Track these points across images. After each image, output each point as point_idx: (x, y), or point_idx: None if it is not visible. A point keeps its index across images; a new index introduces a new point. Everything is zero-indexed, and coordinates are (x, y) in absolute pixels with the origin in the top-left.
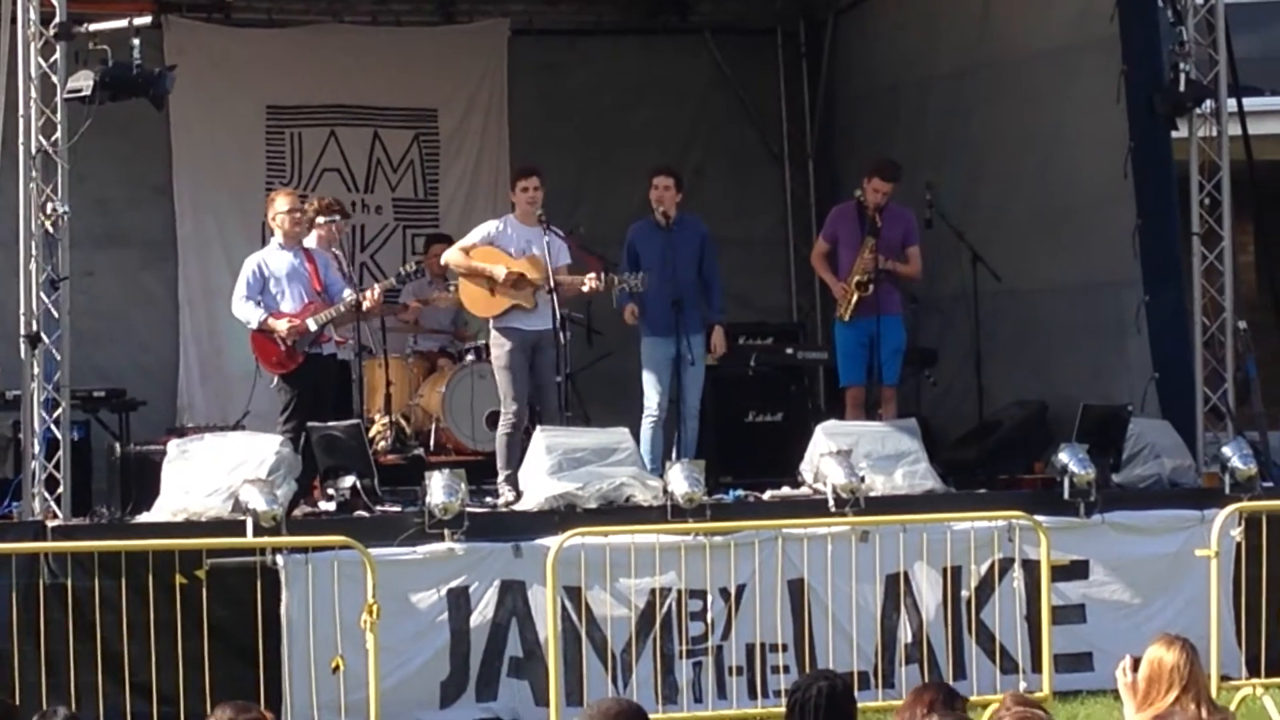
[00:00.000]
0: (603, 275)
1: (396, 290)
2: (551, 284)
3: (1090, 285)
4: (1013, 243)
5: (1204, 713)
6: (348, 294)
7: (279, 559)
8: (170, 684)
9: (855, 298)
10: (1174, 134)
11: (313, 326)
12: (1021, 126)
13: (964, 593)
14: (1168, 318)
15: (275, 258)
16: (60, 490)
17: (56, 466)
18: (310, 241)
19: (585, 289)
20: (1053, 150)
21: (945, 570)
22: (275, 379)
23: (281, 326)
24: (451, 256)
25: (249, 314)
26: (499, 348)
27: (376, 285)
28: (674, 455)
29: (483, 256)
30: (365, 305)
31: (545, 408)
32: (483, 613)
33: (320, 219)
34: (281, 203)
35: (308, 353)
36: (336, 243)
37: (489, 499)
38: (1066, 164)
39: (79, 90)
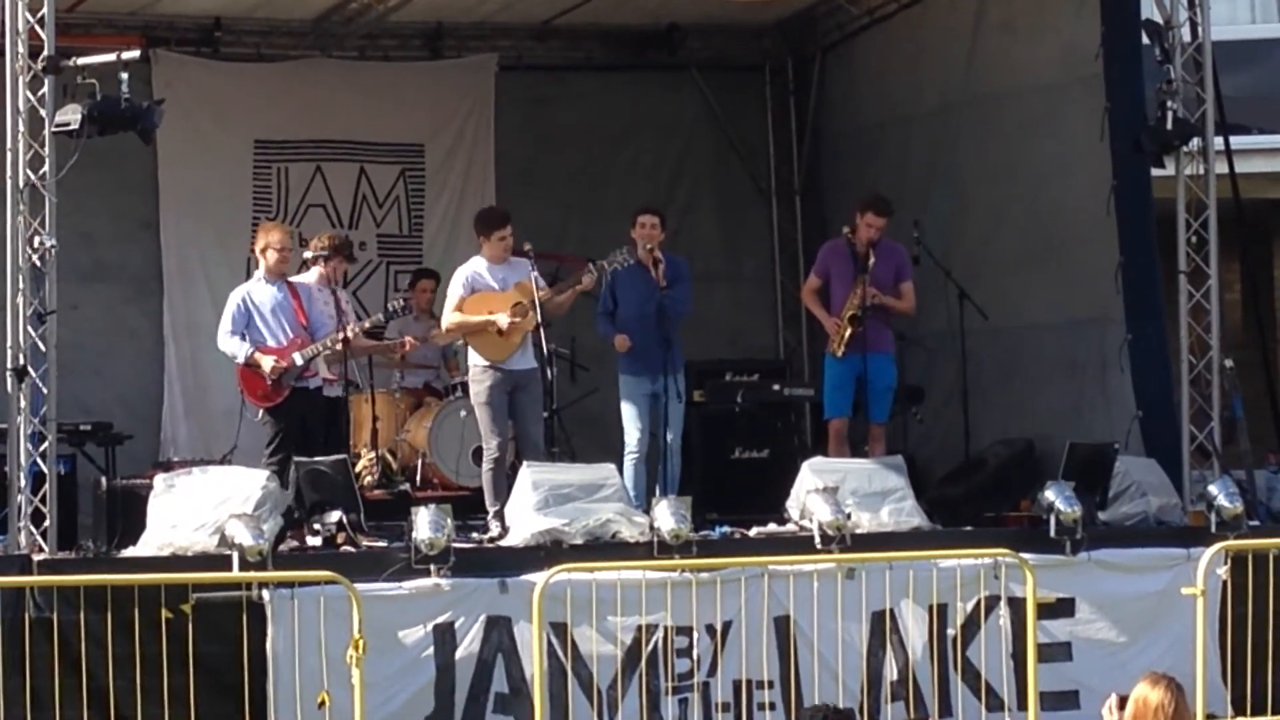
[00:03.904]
0: (592, 265)
1: (381, 327)
2: (538, 308)
3: (1074, 322)
4: (998, 279)
5: None
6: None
7: (265, 594)
8: (155, 719)
9: (848, 332)
10: (1160, 172)
11: (299, 361)
12: (1006, 163)
13: (950, 630)
14: (1150, 355)
15: (260, 291)
16: (46, 524)
17: (43, 500)
18: (310, 277)
19: (581, 287)
20: (1037, 187)
21: (931, 608)
22: (261, 412)
23: (267, 364)
24: (451, 320)
25: (234, 348)
26: (478, 384)
27: (366, 320)
28: (658, 491)
29: (475, 305)
30: (349, 339)
31: (529, 443)
32: (468, 648)
33: (322, 256)
34: (275, 237)
35: (294, 386)
36: (338, 283)
37: (475, 534)
38: (1050, 201)
39: (67, 124)
